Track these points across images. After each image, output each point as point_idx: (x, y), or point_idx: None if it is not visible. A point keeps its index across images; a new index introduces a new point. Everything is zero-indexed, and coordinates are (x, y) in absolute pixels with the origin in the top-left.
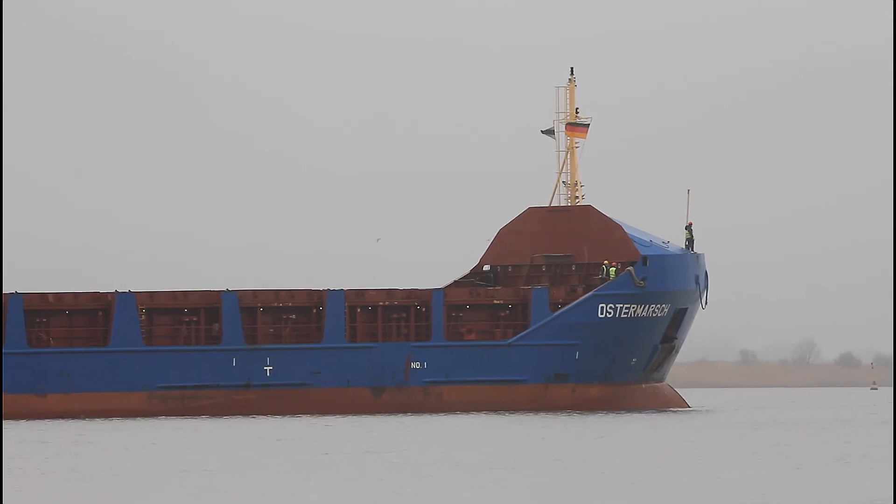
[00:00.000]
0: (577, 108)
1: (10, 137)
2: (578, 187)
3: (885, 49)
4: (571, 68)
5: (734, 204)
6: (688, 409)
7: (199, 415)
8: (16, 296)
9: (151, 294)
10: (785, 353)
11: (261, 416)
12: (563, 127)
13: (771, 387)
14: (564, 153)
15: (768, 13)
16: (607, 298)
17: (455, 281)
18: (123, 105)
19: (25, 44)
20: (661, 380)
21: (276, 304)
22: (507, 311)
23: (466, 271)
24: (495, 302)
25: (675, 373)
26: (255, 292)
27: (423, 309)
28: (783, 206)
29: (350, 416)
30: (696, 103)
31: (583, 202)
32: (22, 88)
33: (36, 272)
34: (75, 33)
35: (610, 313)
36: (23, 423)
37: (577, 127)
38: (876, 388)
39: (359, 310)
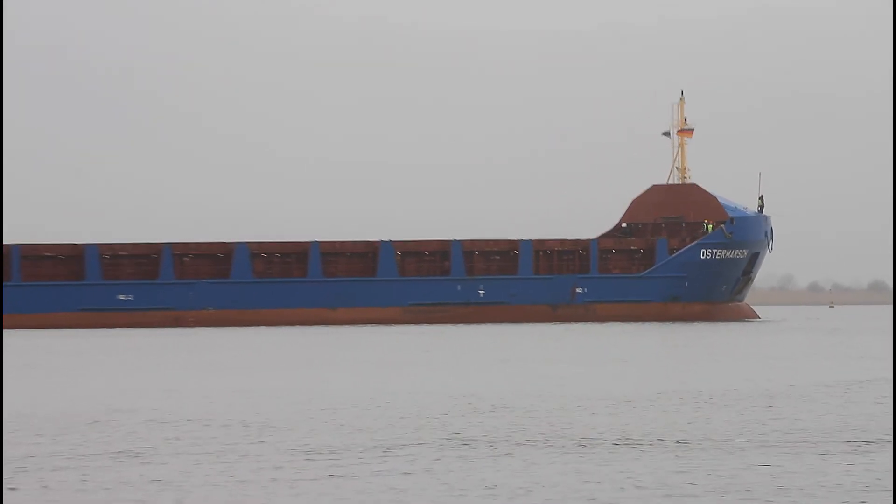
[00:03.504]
0: (685, 118)
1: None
2: (687, 171)
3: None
4: (682, 91)
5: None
6: (760, 319)
7: (437, 323)
8: (315, 243)
9: (404, 242)
10: (772, 282)
11: (479, 324)
12: (675, 131)
13: (760, 305)
14: (677, 148)
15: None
16: (707, 246)
17: (603, 234)
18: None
19: (24, 47)
20: (741, 300)
21: (486, 249)
22: (640, 254)
23: (610, 227)
24: (631, 248)
25: None
26: (472, 241)
27: (584, 252)
28: (800, 173)
29: (536, 325)
30: (767, 113)
31: (689, 181)
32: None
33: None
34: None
35: (708, 256)
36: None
37: (685, 131)
38: (833, 307)
39: (541, 252)
